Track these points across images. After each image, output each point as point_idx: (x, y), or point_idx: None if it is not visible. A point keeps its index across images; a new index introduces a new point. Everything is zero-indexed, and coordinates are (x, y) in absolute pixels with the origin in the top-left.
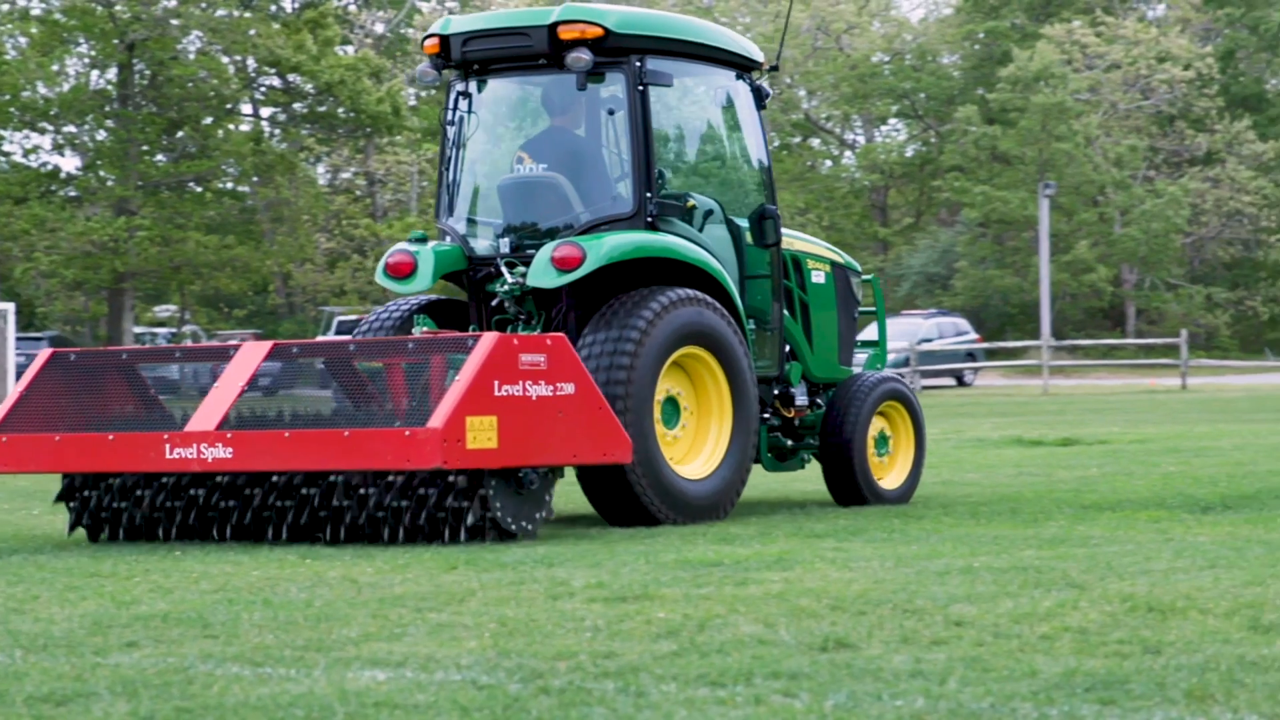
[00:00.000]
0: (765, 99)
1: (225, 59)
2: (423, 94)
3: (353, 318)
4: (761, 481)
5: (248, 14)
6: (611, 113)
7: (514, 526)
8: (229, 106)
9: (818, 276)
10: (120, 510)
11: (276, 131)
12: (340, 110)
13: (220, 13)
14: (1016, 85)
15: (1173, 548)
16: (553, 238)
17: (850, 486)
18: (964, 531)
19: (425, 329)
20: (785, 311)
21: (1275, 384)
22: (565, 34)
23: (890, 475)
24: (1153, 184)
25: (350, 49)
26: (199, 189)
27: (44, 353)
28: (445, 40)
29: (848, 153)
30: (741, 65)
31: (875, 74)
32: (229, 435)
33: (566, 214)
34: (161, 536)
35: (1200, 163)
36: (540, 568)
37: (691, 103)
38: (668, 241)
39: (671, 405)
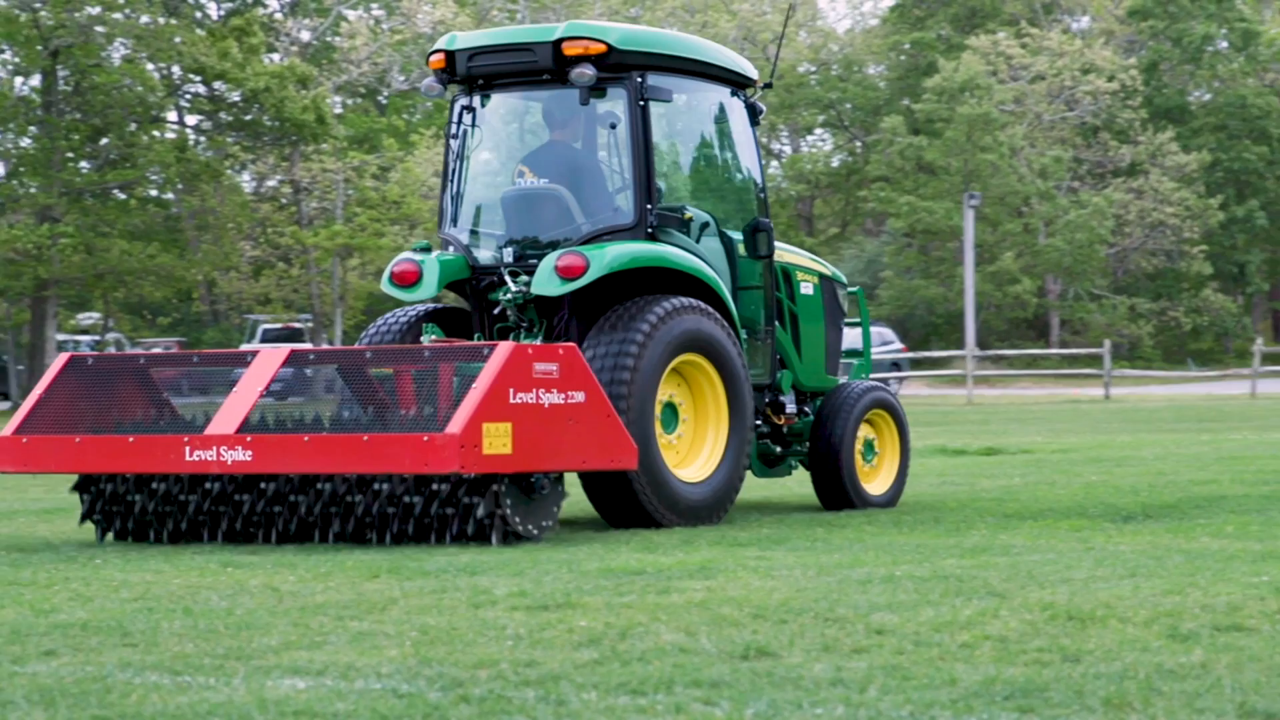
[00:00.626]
0: (759, 115)
1: (150, 66)
2: (348, 102)
3: (277, 326)
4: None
5: (173, 21)
6: (613, 127)
7: (524, 531)
8: (154, 114)
9: (806, 288)
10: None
11: (202, 139)
12: (265, 118)
13: (145, 20)
14: (942, 96)
15: (1093, 556)
16: (554, 248)
17: (838, 493)
18: (886, 540)
19: (434, 337)
20: (775, 321)
21: (1197, 394)
22: (570, 50)
23: (876, 481)
24: (1077, 195)
25: (276, 56)
26: (123, 196)
27: (62, 356)
28: (451, 55)
29: (774, 162)
30: (736, 82)
31: (801, 84)
32: (248, 439)
33: (568, 225)
34: (153, 538)
35: (1124, 174)
36: (463, 576)
37: (688, 118)
38: (667, 252)
39: (670, 410)
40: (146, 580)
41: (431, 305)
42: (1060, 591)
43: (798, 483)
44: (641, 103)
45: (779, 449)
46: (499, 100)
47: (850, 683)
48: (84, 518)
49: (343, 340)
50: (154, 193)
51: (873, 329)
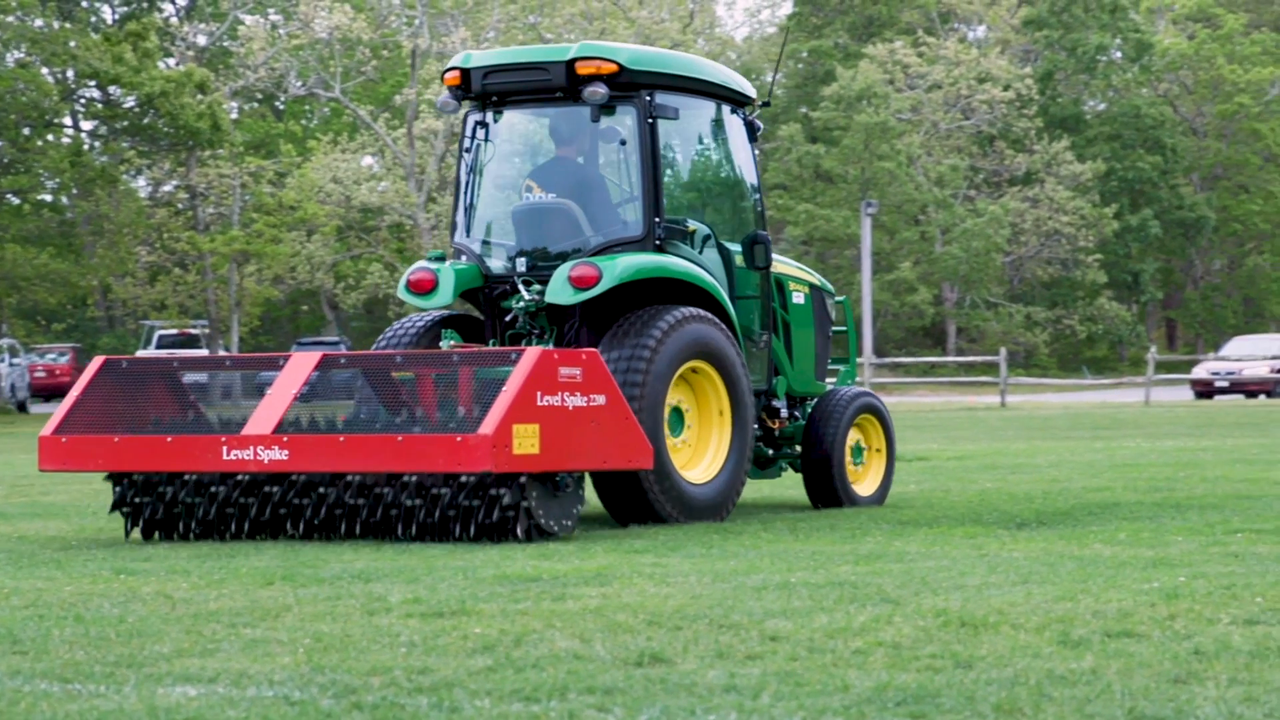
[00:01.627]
0: (757, 132)
1: (44, 70)
2: (245, 107)
3: (173, 331)
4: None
5: (67, 25)
6: (623, 143)
7: (548, 526)
8: (48, 119)
9: (798, 297)
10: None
11: (97, 144)
12: (161, 123)
13: (38, 24)
14: (839, 104)
15: (987, 563)
16: (564, 259)
17: (829, 493)
18: (782, 547)
19: (453, 343)
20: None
21: (1092, 402)
22: (582, 69)
23: (865, 482)
24: (973, 203)
25: (172, 61)
26: (17, 201)
27: (96, 360)
28: (466, 73)
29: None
30: (736, 100)
31: None
32: (285, 438)
33: (577, 237)
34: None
35: (1020, 183)
36: (358, 583)
37: (690, 133)
38: (675, 263)
39: (676, 414)
40: (38, 587)
41: (445, 312)
42: (953, 598)
43: (776, 485)
44: (650, 120)
45: (770, 451)
46: (510, 116)
47: (743, 689)
48: (114, 508)
49: (239, 347)
50: (48, 198)
51: None
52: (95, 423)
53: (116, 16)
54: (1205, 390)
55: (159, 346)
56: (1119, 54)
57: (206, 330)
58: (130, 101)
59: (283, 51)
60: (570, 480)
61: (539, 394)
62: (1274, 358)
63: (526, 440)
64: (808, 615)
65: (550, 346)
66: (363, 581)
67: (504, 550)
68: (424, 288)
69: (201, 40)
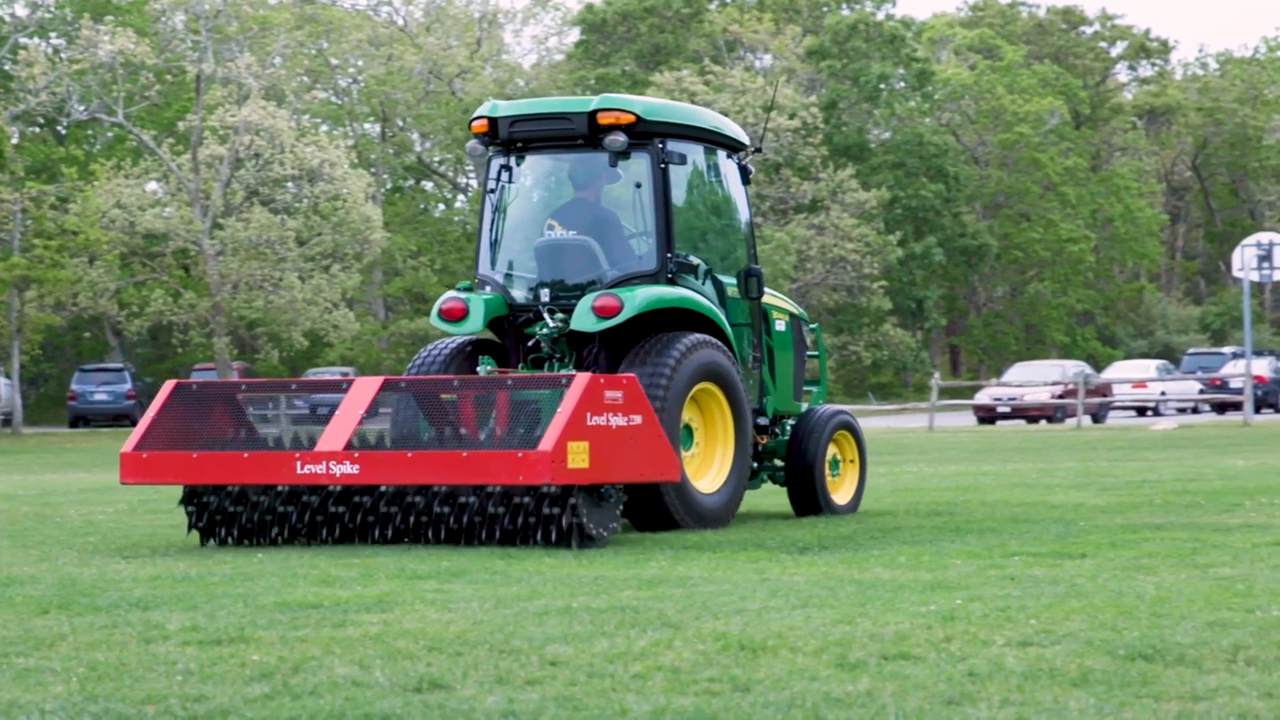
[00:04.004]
0: (749, 175)
1: None
2: (26, 131)
3: None
4: None
5: None
6: (638, 186)
7: (595, 533)
8: None
9: (780, 325)
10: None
11: None
12: None
13: None
14: None
15: (768, 587)
16: (583, 290)
17: (811, 502)
18: (566, 573)
19: (490, 368)
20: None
21: (877, 427)
22: (604, 119)
23: (841, 492)
24: (760, 230)
25: None
26: None
27: (169, 383)
28: (493, 121)
29: (460, 196)
30: (732, 146)
31: None
32: (356, 455)
33: (595, 270)
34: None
35: (805, 210)
36: (135, 611)
37: (692, 176)
38: (688, 295)
39: (686, 431)
40: None
41: (468, 338)
42: (734, 622)
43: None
44: (662, 165)
45: (755, 465)
46: (533, 160)
47: (522, 714)
48: (191, 528)
49: (20, 375)
50: None
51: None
52: (172, 440)
53: None
54: (988, 416)
55: None
56: (901, 83)
57: None
58: None
59: (65, 75)
60: (613, 491)
61: (589, 414)
62: (1054, 383)
63: (579, 456)
64: (588, 640)
65: (572, 370)
66: (141, 609)
67: (285, 578)
68: (455, 315)
69: None
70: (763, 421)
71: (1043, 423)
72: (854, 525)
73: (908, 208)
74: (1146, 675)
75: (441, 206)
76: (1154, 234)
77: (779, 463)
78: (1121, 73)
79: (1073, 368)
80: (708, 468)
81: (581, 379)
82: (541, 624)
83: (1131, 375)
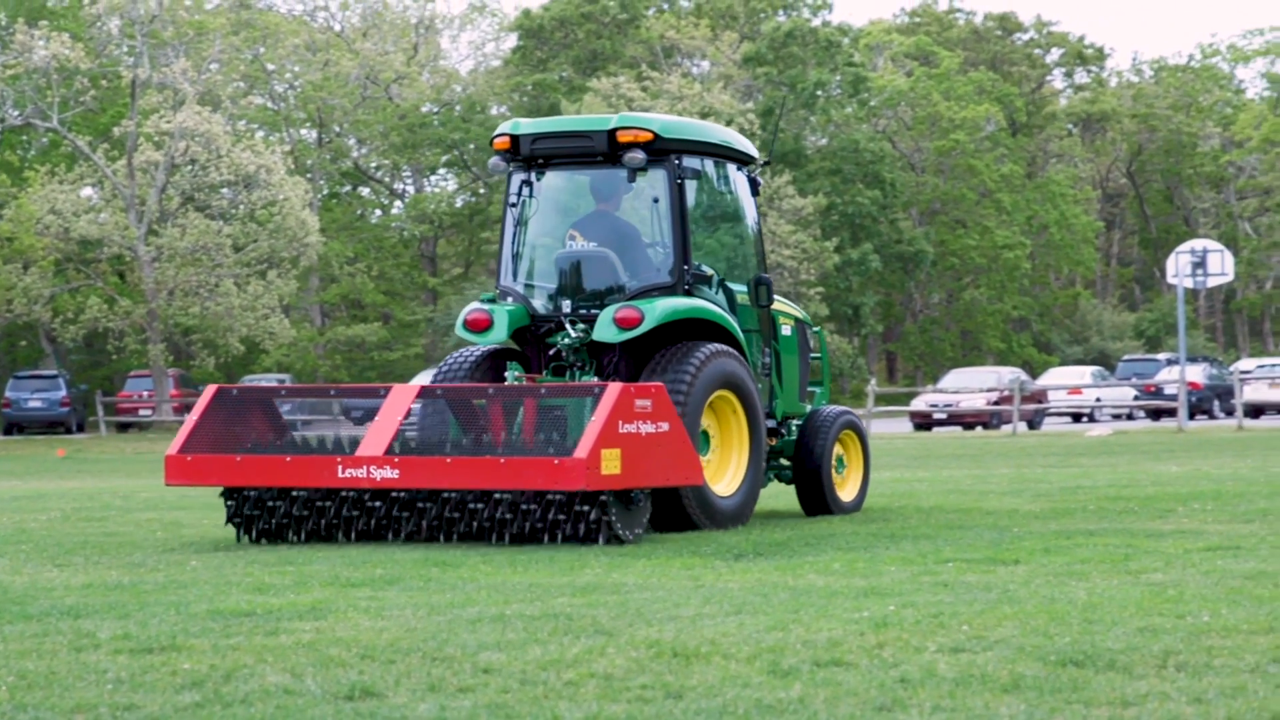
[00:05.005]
0: (758, 187)
1: None
2: None
3: None
4: None
5: None
6: (656, 200)
7: (628, 535)
8: None
9: (786, 330)
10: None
11: None
12: None
13: None
14: None
15: (702, 594)
16: (603, 301)
17: (819, 499)
18: (500, 580)
19: (518, 373)
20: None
21: None
22: (623, 137)
23: (846, 489)
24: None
25: None
26: None
27: (210, 388)
28: (515, 139)
29: (397, 202)
30: (742, 160)
31: (424, 124)
32: (396, 459)
33: (614, 281)
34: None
35: None
36: (66, 619)
37: (705, 189)
38: (705, 306)
39: (703, 436)
40: None
41: (491, 347)
42: (667, 629)
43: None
44: (679, 180)
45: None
46: (552, 176)
47: None
48: (229, 520)
49: None
50: None
51: None
52: (215, 444)
53: None
54: (924, 422)
55: None
56: (838, 90)
57: None
58: None
59: None
60: (642, 495)
61: (620, 422)
62: (990, 390)
63: (611, 462)
64: (521, 647)
65: (593, 378)
66: (72, 618)
67: (219, 586)
68: (480, 326)
69: None
70: (771, 424)
71: (979, 429)
72: (789, 531)
73: (844, 214)
74: (1077, 681)
75: (378, 213)
76: (1089, 241)
77: (785, 462)
78: (1057, 80)
79: (1008, 374)
80: (724, 471)
81: (614, 388)
82: (475, 631)
83: (1067, 382)
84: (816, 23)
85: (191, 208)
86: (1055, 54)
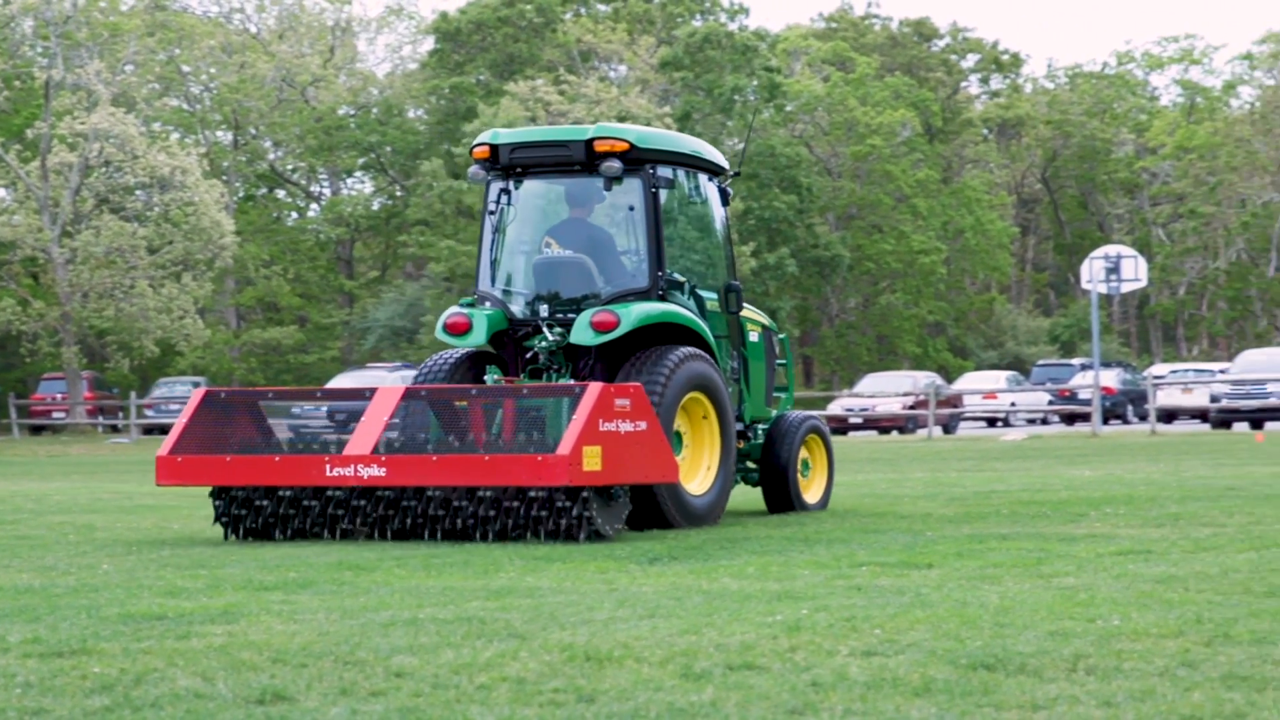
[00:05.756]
0: (729, 198)
1: None
2: None
3: None
4: None
5: None
6: (631, 209)
7: (607, 530)
8: None
9: (753, 336)
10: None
11: None
12: None
13: None
14: None
15: (616, 598)
16: (579, 306)
17: (785, 500)
18: (414, 583)
19: (497, 376)
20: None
21: None
22: (600, 147)
23: (811, 491)
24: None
25: None
26: None
27: (198, 391)
28: (494, 148)
29: (313, 205)
30: (714, 170)
31: (341, 126)
32: (383, 458)
33: (590, 287)
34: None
35: None
36: None
37: (677, 198)
38: (679, 311)
39: (676, 436)
40: None
41: (467, 350)
42: (580, 632)
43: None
44: (653, 189)
45: None
46: (530, 184)
47: None
48: (217, 520)
49: None
50: None
51: (412, 372)
52: (205, 445)
53: None
54: (840, 426)
55: None
56: (754, 95)
57: None
58: None
59: None
60: (621, 492)
61: (600, 421)
62: (906, 394)
63: (592, 459)
64: (434, 651)
65: (570, 380)
66: None
67: (130, 589)
68: (460, 329)
69: None
70: (739, 427)
71: (894, 433)
72: (704, 535)
73: (761, 219)
74: (988, 684)
75: (294, 215)
76: (1004, 246)
77: (751, 465)
78: (973, 85)
79: (924, 379)
80: (696, 470)
81: (595, 388)
82: (387, 635)
83: (982, 386)
84: (733, 27)
85: (106, 210)
86: (971, 60)
